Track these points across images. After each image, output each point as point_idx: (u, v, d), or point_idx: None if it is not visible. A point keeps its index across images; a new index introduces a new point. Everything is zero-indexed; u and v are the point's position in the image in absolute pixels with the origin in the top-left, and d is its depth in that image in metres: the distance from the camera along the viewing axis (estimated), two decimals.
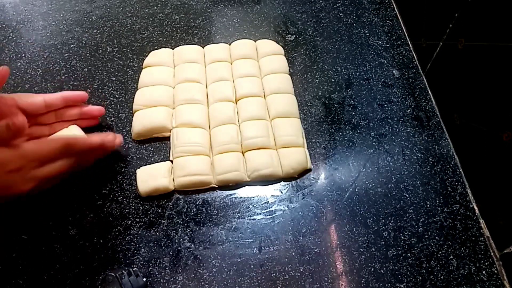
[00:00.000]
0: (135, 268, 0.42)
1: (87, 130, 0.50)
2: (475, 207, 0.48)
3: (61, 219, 0.46)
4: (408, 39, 0.65)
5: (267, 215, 0.47)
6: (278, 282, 0.42)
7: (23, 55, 0.61)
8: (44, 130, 0.47)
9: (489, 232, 0.46)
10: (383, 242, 0.45)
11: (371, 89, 0.58)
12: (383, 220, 0.47)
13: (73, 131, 0.48)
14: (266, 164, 0.48)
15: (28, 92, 0.56)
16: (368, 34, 0.65)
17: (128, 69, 0.59)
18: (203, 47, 0.61)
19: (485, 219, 0.47)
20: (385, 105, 0.57)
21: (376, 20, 0.67)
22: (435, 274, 0.43)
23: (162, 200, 0.47)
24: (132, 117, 0.53)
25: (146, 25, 0.65)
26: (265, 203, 0.48)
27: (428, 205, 0.48)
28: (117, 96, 0.56)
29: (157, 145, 0.52)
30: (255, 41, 0.62)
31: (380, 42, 0.64)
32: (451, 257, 0.44)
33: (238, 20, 0.66)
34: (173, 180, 0.48)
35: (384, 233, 0.46)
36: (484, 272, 0.44)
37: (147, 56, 0.59)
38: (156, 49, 0.61)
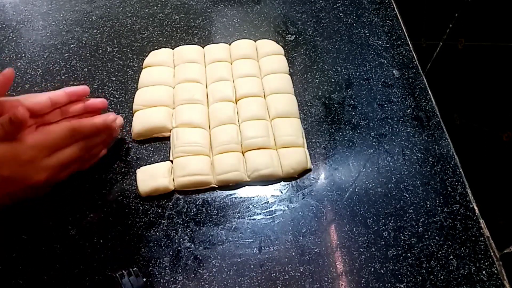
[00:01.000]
0: (135, 268, 0.42)
1: None
2: (475, 207, 0.48)
3: (61, 219, 0.46)
4: (408, 39, 0.65)
5: (267, 215, 0.47)
6: (278, 282, 0.42)
7: (23, 55, 0.61)
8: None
9: (489, 232, 0.46)
10: (383, 242, 0.45)
11: (371, 89, 0.58)
12: (383, 220, 0.47)
13: None
14: (266, 164, 0.48)
15: (28, 92, 0.56)
16: (368, 34, 0.65)
17: (128, 69, 0.59)
18: (203, 47, 0.61)
19: (485, 219, 0.47)
20: (385, 105, 0.57)
21: (376, 20, 0.67)
22: (435, 274, 0.43)
23: (162, 200, 0.48)
24: (132, 117, 0.53)
25: (146, 25, 0.65)
26: (265, 203, 0.48)
27: (428, 205, 0.48)
28: (117, 96, 0.56)
29: (157, 145, 0.52)
30: (255, 41, 0.62)
31: (380, 42, 0.64)
32: (451, 257, 0.44)
33: (238, 20, 0.66)
34: (173, 180, 0.48)
35: (384, 233, 0.46)
36: (484, 272, 0.44)
37: (147, 56, 0.59)
38: (156, 49, 0.61)
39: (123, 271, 0.41)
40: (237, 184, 0.49)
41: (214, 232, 0.46)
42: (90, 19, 0.66)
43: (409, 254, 0.44)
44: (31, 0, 0.68)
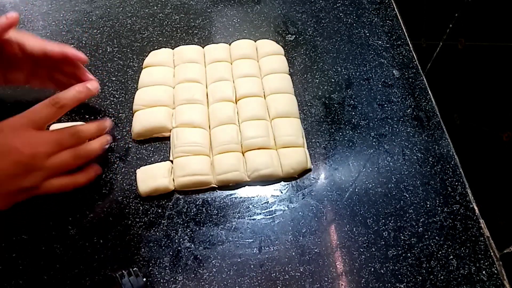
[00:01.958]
0: (135, 268, 0.42)
1: None
2: (475, 207, 0.48)
3: (61, 219, 0.46)
4: (408, 39, 0.65)
5: (267, 215, 0.47)
6: (278, 282, 0.42)
7: None
8: (44, 72, 0.50)
9: (489, 232, 0.46)
10: (383, 242, 0.45)
11: (371, 89, 0.58)
12: (383, 220, 0.47)
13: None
14: (266, 164, 0.48)
15: (28, 93, 0.56)
16: (368, 34, 0.65)
17: (128, 69, 0.59)
18: (203, 47, 0.61)
19: (485, 219, 0.47)
20: (385, 105, 0.57)
21: (376, 20, 0.67)
22: (435, 274, 0.43)
23: (162, 200, 0.48)
24: (132, 117, 0.53)
25: (146, 25, 0.65)
26: (265, 203, 0.48)
27: (428, 205, 0.48)
28: (117, 96, 0.56)
29: (157, 145, 0.52)
30: (255, 41, 0.62)
31: (380, 42, 0.64)
32: (451, 257, 0.44)
33: (238, 20, 0.66)
34: (173, 180, 0.48)
35: (384, 233, 0.46)
36: (484, 272, 0.44)
37: (147, 56, 0.59)
38: (156, 49, 0.61)
39: (123, 271, 0.41)
40: (237, 184, 0.49)
41: (214, 232, 0.46)
42: (90, 19, 0.66)
43: (409, 254, 0.44)
44: (31, 0, 0.68)
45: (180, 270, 0.43)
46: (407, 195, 0.49)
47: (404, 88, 0.59)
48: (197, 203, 0.48)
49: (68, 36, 0.63)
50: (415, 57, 0.62)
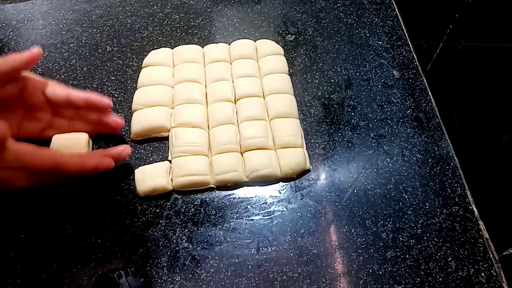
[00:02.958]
0: (132, 268, 0.41)
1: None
2: (475, 209, 0.48)
3: (59, 218, 0.46)
4: (408, 39, 0.64)
5: (266, 216, 0.47)
6: (276, 283, 0.42)
7: None
8: (63, 123, 0.48)
9: (488, 234, 0.46)
10: (382, 244, 0.45)
11: (371, 90, 0.58)
12: (382, 222, 0.46)
13: (80, 139, 0.48)
14: (264, 165, 0.48)
15: None
16: (368, 35, 0.64)
17: (127, 69, 0.59)
18: (202, 47, 0.61)
19: (484, 221, 0.47)
20: (385, 106, 0.56)
21: (377, 21, 0.66)
22: (434, 276, 0.43)
23: (160, 200, 0.47)
24: (131, 116, 0.53)
25: (145, 25, 0.65)
26: (263, 203, 0.48)
27: (427, 207, 0.48)
28: (116, 95, 0.56)
29: (155, 145, 0.52)
30: (255, 41, 0.62)
31: (380, 42, 0.63)
32: (450, 259, 0.44)
33: (238, 20, 0.66)
34: (172, 180, 0.48)
35: (382, 234, 0.46)
36: (483, 274, 0.43)
37: (146, 55, 0.59)
38: (156, 48, 0.60)
39: (121, 271, 0.41)
40: (236, 185, 0.48)
41: (212, 233, 0.45)
42: (90, 19, 0.66)
43: (407, 256, 0.44)
44: None
45: (178, 270, 0.43)
46: (406, 196, 0.48)
47: (404, 89, 0.58)
48: (195, 203, 0.48)
49: (67, 35, 0.63)
50: (415, 58, 0.62)
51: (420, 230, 0.46)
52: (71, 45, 0.62)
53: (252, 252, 0.44)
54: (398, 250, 0.45)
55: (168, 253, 0.44)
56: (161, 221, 0.46)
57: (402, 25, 0.66)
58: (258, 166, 0.48)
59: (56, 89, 0.46)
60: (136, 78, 0.57)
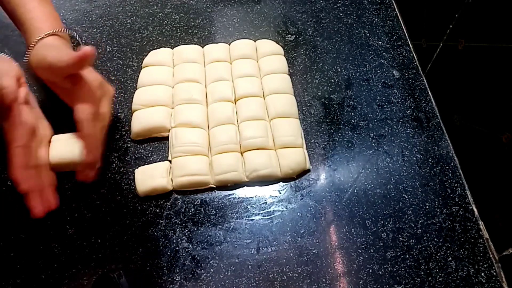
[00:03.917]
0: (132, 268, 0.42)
1: None
2: (474, 209, 0.48)
3: (59, 218, 0.46)
4: (408, 39, 0.64)
5: (266, 216, 0.47)
6: (276, 283, 0.42)
7: (23, 54, 0.61)
8: None
9: (488, 234, 0.46)
10: (382, 244, 0.45)
11: (371, 90, 0.58)
12: (382, 222, 0.46)
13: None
14: (264, 165, 0.48)
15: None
16: (368, 35, 0.64)
17: (127, 69, 0.59)
18: (202, 47, 0.61)
19: (484, 221, 0.47)
20: (385, 106, 0.56)
21: (377, 21, 0.66)
22: (434, 275, 0.43)
23: (160, 200, 0.47)
24: (131, 116, 0.53)
25: (145, 25, 0.65)
26: (263, 203, 0.48)
27: (427, 207, 0.48)
28: (116, 95, 0.56)
29: (155, 145, 0.52)
30: (255, 41, 0.62)
31: (380, 42, 0.63)
32: (450, 259, 0.44)
33: (238, 20, 0.66)
34: (172, 180, 0.48)
35: (382, 234, 0.46)
36: (483, 274, 0.43)
37: (146, 55, 0.59)
38: (156, 48, 0.60)
39: (121, 271, 0.41)
40: (236, 185, 0.48)
41: (212, 233, 0.45)
42: (90, 19, 0.66)
43: (407, 256, 0.44)
44: None
45: (178, 270, 0.43)
46: (406, 196, 0.48)
47: (404, 89, 0.58)
48: (195, 203, 0.48)
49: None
50: (415, 58, 0.62)
51: (420, 230, 0.46)
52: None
53: (252, 252, 0.44)
54: (398, 250, 0.45)
55: (168, 253, 0.44)
56: (161, 221, 0.46)
57: (402, 25, 0.66)
58: (258, 166, 0.48)
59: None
60: (136, 78, 0.57)
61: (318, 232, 0.46)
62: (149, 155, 0.51)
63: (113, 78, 0.58)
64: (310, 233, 0.46)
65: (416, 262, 0.44)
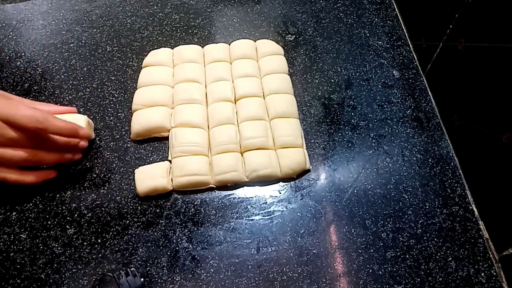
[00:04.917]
0: (132, 268, 0.42)
1: None
2: (475, 209, 0.48)
3: (59, 218, 0.46)
4: (408, 39, 0.64)
5: (266, 216, 0.47)
6: (276, 283, 0.42)
7: (23, 54, 0.61)
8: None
9: (488, 234, 0.46)
10: (382, 244, 0.45)
11: (371, 90, 0.58)
12: (382, 222, 0.46)
13: (79, 121, 0.49)
14: (264, 165, 0.48)
15: (27, 92, 0.56)
16: (368, 35, 0.64)
17: (127, 69, 0.59)
18: (202, 47, 0.61)
19: (484, 221, 0.47)
20: (385, 106, 0.56)
21: (377, 21, 0.66)
22: (434, 276, 0.43)
23: (160, 200, 0.47)
24: (131, 116, 0.53)
25: (145, 25, 0.65)
26: (263, 203, 0.48)
27: (427, 207, 0.48)
28: (116, 95, 0.56)
29: (155, 145, 0.52)
30: (255, 41, 0.62)
31: (380, 42, 0.63)
32: (450, 259, 0.44)
33: (238, 20, 0.66)
34: (172, 180, 0.48)
35: (382, 234, 0.46)
36: (483, 274, 0.43)
37: (146, 55, 0.59)
38: (156, 48, 0.60)
39: (121, 271, 0.41)
40: (236, 185, 0.48)
41: (212, 233, 0.45)
42: (90, 19, 0.66)
43: (407, 256, 0.44)
44: None
45: (178, 270, 0.43)
46: (406, 196, 0.48)
47: (404, 89, 0.58)
48: (195, 203, 0.47)
49: (67, 35, 0.63)
50: (415, 58, 0.62)
51: (420, 230, 0.46)
52: (71, 45, 0.62)
53: (252, 252, 0.44)
54: (398, 250, 0.45)
55: (168, 253, 0.44)
56: (161, 221, 0.46)
57: (402, 25, 0.66)
58: (258, 166, 0.48)
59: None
60: (136, 78, 0.57)
61: (318, 232, 0.46)
62: (149, 155, 0.51)
63: (113, 78, 0.58)
64: (310, 233, 0.46)
65: (416, 262, 0.44)
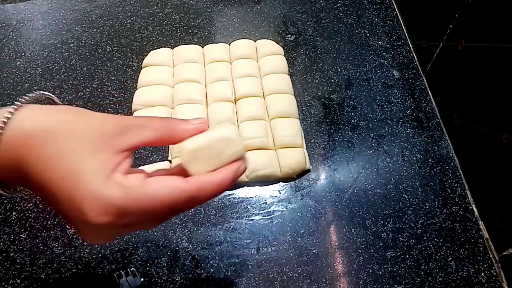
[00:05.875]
0: (132, 268, 0.42)
1: None
2: (474, 209, 0.48)
3: (59, 218, 0.46)
4: (408, 39, 0.64)
5: (266, 216, 0.47)
6: (276, 283, 0.42)
7: (23, 54, 0.61)
8: None
9: (488, 234, 0.46)
10: (382, 244, 0.45)
11: (371, 90, 0.58)
12: (382, 222, 0.46)
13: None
14: (264, 165, 0.48)
15: (27, 92, 0.56)
16: (368, 35, 0.64)
17: (127, 69, 0.59)
18: (202, 47, 0.61)
19: (484, 220, 0.47)
20: (385, 106, 0.56)
21: (377, 21, 0.66)
22: (434, 276, 0.43)
23: None
24: None
25: (145, 25, 0.65)
26: (263, 203, 0.48)
27: (427, 207, 0.48)
28: (116, 95, 0.56)
29: None
30: (255, 41, 0.62)
31: (380, 42, 0.63)
32: (450, 259, 0.44)
33: (238, 20, 0.66)
34: None
35: (382, 234, 0.46)
36: (483, 274, 0.43)
37: (146, 55, 0.59)
38: (156, 48, 0.60)
39: (121, 271, 0.41)
40: (236, 184, 0.48)
41: (212, 233, 0.45)
42: (90, 19, 0.66)
43: (407, 256, 0.44)
44: None
45: (178, 271, 0.43)
46: (406, 196, 0.48)
47: (404, 89, 0.58)
48: None
49: (68, 35, 0.63)
50: (415, 58, 0.62)
51: (420, 230, 0.46)
52: (71, 45, 0.62)
53: (252, 252, 0.44)
54: (398, 250, 0.45)
55: (168, 253, 0.44)
56: None
57: (402, 25, 0.66)
58: (258, 166, 0.48)
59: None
60: (136, 78, 0.57)
61: (318, 232, 0.46)
62: (149, 155, 0.51)
63: (113, 78, 0.58)
64: (310, 233, 0.46)
65: (416, 262, 0.44)
